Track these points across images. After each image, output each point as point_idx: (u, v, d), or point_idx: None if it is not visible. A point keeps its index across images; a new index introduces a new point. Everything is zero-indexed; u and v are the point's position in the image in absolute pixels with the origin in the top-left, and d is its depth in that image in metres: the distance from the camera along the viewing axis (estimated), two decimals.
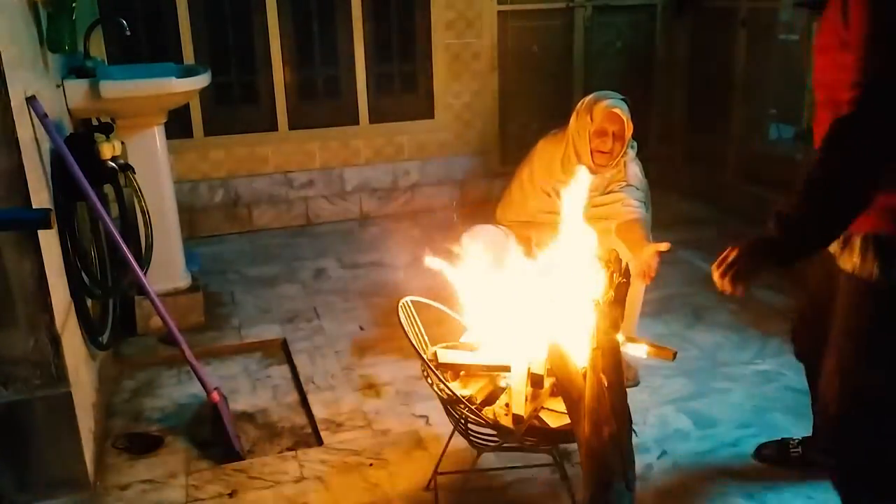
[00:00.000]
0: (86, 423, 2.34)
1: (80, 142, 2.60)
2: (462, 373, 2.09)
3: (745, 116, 4.90)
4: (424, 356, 2.02)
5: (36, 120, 2.23)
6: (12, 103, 1.99)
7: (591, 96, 2.77)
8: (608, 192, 2.80)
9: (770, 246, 1.56)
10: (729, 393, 2.79)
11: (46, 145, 2.39)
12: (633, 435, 1.63)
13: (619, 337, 1.70)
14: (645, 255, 2.54)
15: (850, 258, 1.66)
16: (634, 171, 2.82)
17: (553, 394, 1.97)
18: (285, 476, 2.36)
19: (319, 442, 2.56)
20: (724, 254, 1.62)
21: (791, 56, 4.66)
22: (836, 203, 1.50)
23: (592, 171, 2.77)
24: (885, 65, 1.42)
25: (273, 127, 4.69)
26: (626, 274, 1.72)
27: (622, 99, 2.75)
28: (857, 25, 1.47)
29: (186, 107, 4.31)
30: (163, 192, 3.29)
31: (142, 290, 2.75)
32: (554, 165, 2.84)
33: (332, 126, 4.81)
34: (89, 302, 2.64)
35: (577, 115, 2.77)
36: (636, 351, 1.93)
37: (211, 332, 3.34)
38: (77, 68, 3.08)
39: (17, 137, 2.01)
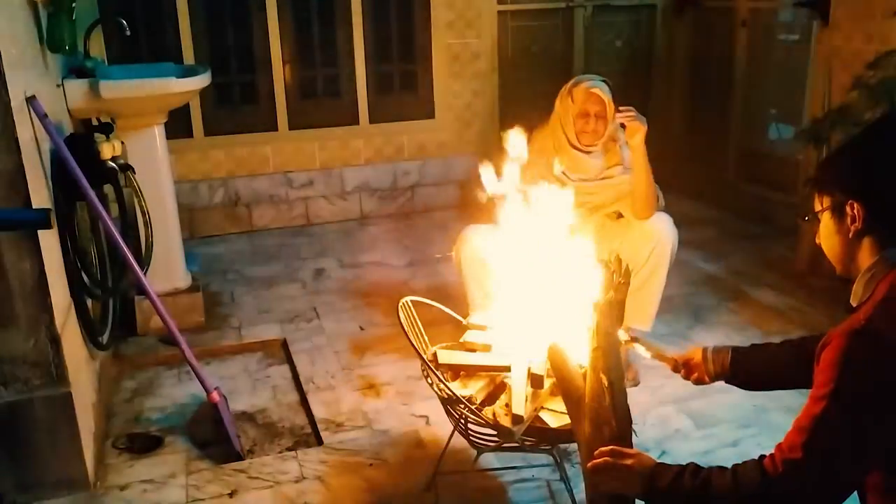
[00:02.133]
0: (86, 423, 2.34)
1: (80, 142, 2.60)
2: (462, 373, 2.09)
3: (745, 116, 4.90)
4: (424, 356, 2.02)
5: (36, 120, 2.23)
6: (12, 103, 1.99)
7: (572, 80, 2.81)
8: (604, 178, 2.84)
9: (644, 483, 1.43)
10: (729, 393, 2.76)
11: (46, 145, 2.38)
12: (633, 435, 1.62)
13: (620, 335, 1.70)
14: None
15: None
16: (628, 154, 2.85)
17: (553, 394, 1.97)
18: (285, 476, 2.35)
19: (319, 442, 2.55)
20: (613, 457, 1.49)
21: (791, 56, 4.66)
22: None
23: (581, 151, 2.79)
24: (818, 452, 1.29)
25: (273, 127, 4.69)
26: (626, 274, 1.72)
27: (602, 80, 2.77)
28: (816, 393, 1.32)
29: (186, 107, 4.31)
30: (163, 192, 3.29)
31: (142, 290, 2.75)
32: (548, 153, 2.85)
33: (332, 126, 4.81)
34: (89, 302, 2.64)
35: (560, 98, 2.81)
36: (639, 350, 1.94)
37: (211, 332, 3.34)
38: (77, 68, 3.08)
39: (17, 137, 2.01)
